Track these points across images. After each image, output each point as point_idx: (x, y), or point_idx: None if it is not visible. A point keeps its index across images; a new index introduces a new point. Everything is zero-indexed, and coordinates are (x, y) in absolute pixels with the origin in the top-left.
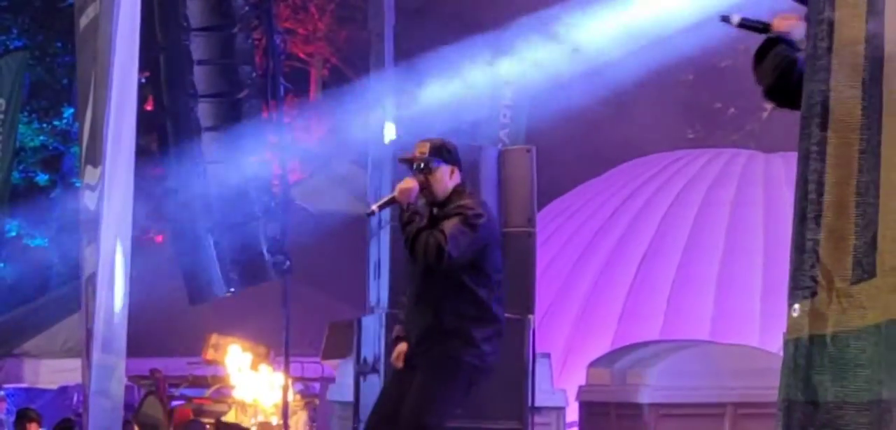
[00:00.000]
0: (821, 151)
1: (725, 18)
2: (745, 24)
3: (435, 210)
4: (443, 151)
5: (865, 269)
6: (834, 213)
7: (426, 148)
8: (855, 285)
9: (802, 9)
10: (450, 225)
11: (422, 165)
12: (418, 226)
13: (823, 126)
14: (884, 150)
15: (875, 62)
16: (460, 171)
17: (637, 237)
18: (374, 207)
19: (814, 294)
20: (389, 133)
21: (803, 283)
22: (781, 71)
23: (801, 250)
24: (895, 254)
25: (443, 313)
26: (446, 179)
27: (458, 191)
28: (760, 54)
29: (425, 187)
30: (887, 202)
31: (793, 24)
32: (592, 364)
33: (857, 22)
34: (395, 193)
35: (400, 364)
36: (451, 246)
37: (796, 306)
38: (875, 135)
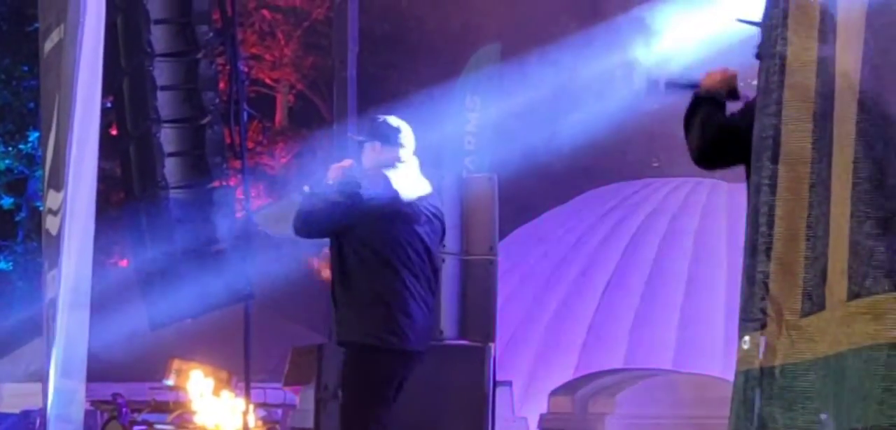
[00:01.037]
0: (772, 184)
1: (653, 84)
2: (673, 85)
3: None
4: (369, 126)
5: (815, 301)
6: (784, 245)
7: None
8: (804, 318)
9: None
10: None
11: (355, 141)
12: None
13: (774, 159)
14: (834, 184)
15: (826, 97)
16: (392, 147)
17: (601, 266)
18: (305, 187)
19: (764, 326)
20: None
21: (753, 315)
22: (709, 135)
23: (752, 281)
24: (844, 287)
25: (334, 291)
26: (375, 153)
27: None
28: (689, 116)
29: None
30: (837, 236)
31: (719, 80)
32: (554, 392)
33: (809, 57)
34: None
35: None
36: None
37: (747, 337)
38: (825, 169)
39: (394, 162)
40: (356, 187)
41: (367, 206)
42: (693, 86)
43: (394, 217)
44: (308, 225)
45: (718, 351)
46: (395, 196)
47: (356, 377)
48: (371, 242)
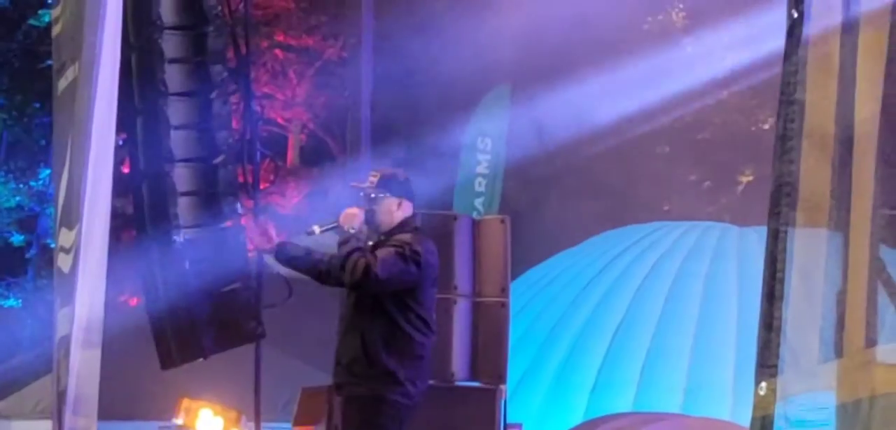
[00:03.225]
0: (789, 231)
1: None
2: (325, 229)
3: (381, 238)
4: (391, 183)
5: (833, 348)
6: (802, 292)
7: (376, 178)
8: (822, 365)
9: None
10: (382, 252)
11: (370, 195)
12: (352, 247)
13: (793, 206)
14: (852, 232)
15: (845, 145)
16: (411, 202)
17: (612, 309)
18: (316, 227)
19: (781, 372)
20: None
21: (770, 361)
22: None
23: (769, 327)
24: (861, 335)
25: (369, 345)
26: (393, 210)
27: (404, 223)
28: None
29: (370, 216)
30: (854, 283)
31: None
32: None
33: (828, 105)
34: (340, 219)
35: None
36: (380, 268)
37: (763, 383)
38: (843, 216)
39: (417, 222)
40: (419, 255)
41: (427, 273)
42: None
43: (435, 281)
44: (382, 284)
45: (728, 394)
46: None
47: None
48: (421, 304)
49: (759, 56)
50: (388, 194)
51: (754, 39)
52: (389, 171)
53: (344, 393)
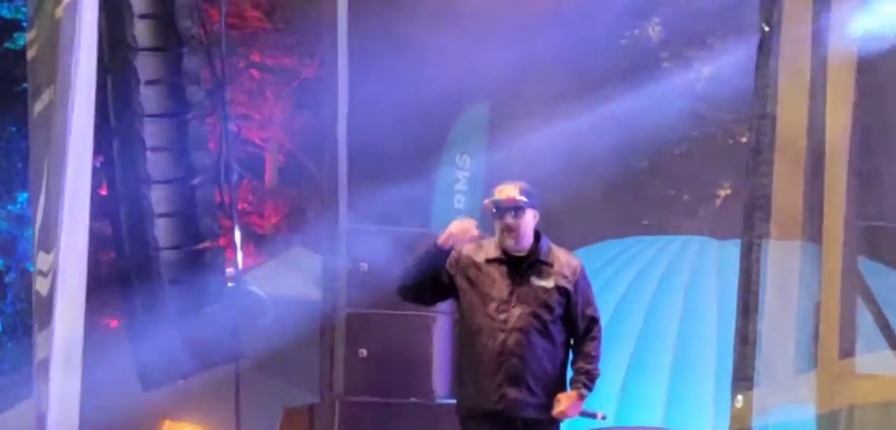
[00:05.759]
0: (763, 243)
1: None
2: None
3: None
4: (538, 197)
5: (807, 360)
6: (776, 305)
7: (515, 191)
8: (797, 376)
9: None
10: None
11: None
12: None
13: (766, 218)
14: (824, 244)
15: (817, 157)
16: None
17: None
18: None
19: (757, 385)
20: (343, 217)
21: (746, 374)
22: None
23: (745, 340)
24: (836, 346)
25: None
26: (535, 222)
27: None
28: None
29: (513, 231)
30: (828, 295)
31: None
32: None
33: (799, 118)
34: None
35: None
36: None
37: (739, 396)
38: (816, 228)
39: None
40: None
41: None
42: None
43: None
44: None
45: (708, 408)
46: None
47: None
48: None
49: (737, 69)
50: (535, 206)
51: (731, 53)
52: (527, 184)
53: None
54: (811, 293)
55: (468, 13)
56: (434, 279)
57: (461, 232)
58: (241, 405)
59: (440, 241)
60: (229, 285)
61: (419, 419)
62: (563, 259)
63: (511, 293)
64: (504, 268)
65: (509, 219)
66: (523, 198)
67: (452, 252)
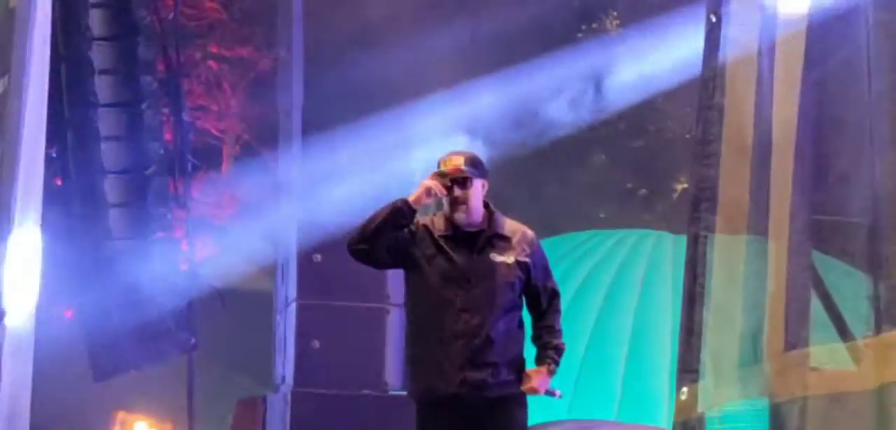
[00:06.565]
0: (709, 235)
1: None
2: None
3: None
4: (484, 168)
5: (752, 353)
6: (721, 296)
7: (461, 161)
8: (742, 368)
9: None
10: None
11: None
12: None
13: (712, 210)
14: (771, 235)
15: (763, 147)
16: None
17: None
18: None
19: (702, 377)
20: (296, 211)
21: (691, 366)
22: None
23: (690, 332)
24: (781, 339)
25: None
26: (483, 193)
27: (490, 209)
28: None
29: (462, 203)
30: (774, 287)
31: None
32: None
33: (746, 107)
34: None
35: None
36: None
37: (684, 388)
38: (762, 219)
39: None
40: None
41: None
42: None
43: None
44: None
45: (663, 402)
46: None
47: None
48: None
49: (693, 62)
50: (482, 176)
51: (688, 45)
52: (472, 152)
53: None
54: (756, 286)
55: (422, 5)
56: (396, 239)
57: (438, 191)
58: (194, 396)
59: (412, 199)
60: (183, 275)
61: (372, 410)
62: (520, 232)
63: (470, 270)
64: (460, 244)
65: (457, 191)
66: (470, 168)
67: (416, 217)
